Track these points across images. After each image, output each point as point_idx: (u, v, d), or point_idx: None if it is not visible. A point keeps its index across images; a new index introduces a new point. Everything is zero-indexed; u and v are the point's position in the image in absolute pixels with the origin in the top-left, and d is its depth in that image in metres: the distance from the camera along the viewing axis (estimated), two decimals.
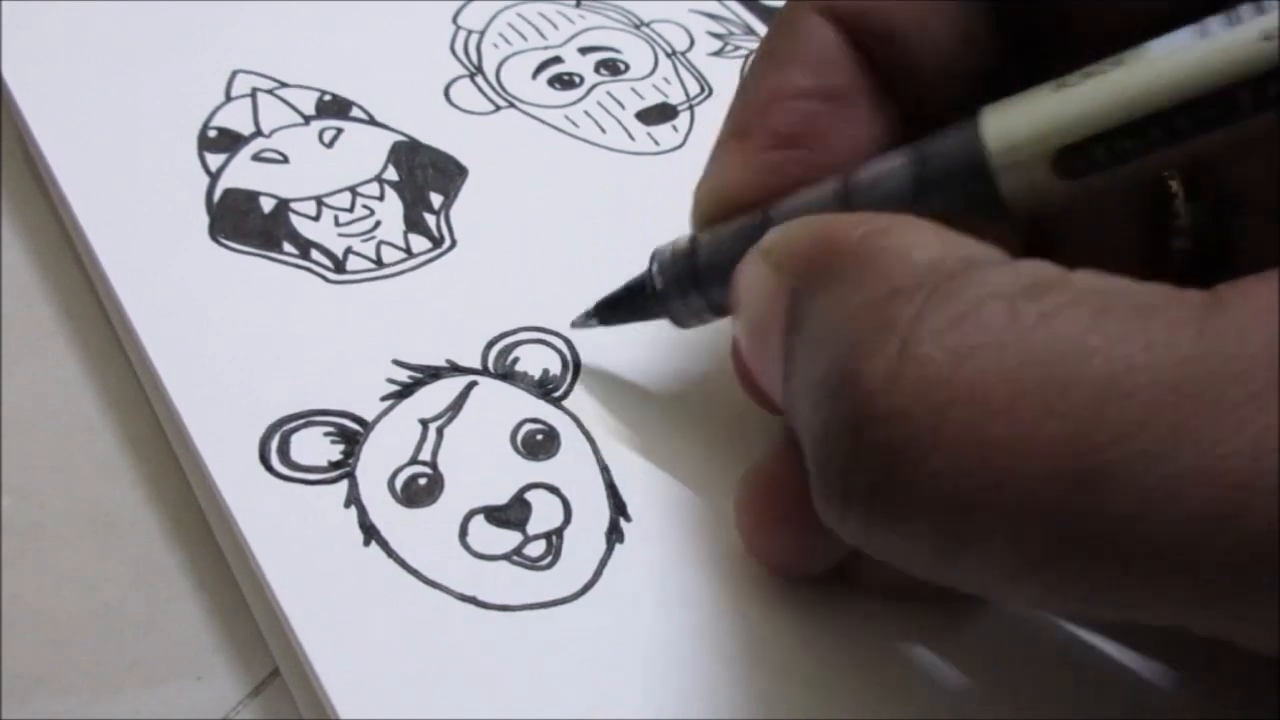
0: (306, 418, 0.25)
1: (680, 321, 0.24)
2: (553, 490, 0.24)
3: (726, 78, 0.33)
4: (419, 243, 0.28)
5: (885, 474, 0.15)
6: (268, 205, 0.29)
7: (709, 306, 0.23)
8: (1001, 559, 0.15)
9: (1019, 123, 0.18)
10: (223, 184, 0.29)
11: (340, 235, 0.28)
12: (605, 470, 0.24)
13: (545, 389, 0.26)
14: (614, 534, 0.23)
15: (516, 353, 0.26)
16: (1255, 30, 0.16)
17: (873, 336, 0.15)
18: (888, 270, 0.16)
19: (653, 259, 0.24)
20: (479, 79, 0.33)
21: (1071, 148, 0.18)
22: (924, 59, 0.21)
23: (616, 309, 0.25)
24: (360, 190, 0.29)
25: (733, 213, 0.22)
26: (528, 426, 0.25)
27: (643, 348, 0.26)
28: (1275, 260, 0.15)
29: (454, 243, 0.28)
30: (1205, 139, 0.17)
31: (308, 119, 0.31)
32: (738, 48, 0.34)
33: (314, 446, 0.24)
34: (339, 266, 0.28)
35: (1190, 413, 0.14)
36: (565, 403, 0.25)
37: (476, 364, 0.26)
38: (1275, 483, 0.13)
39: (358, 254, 0.28)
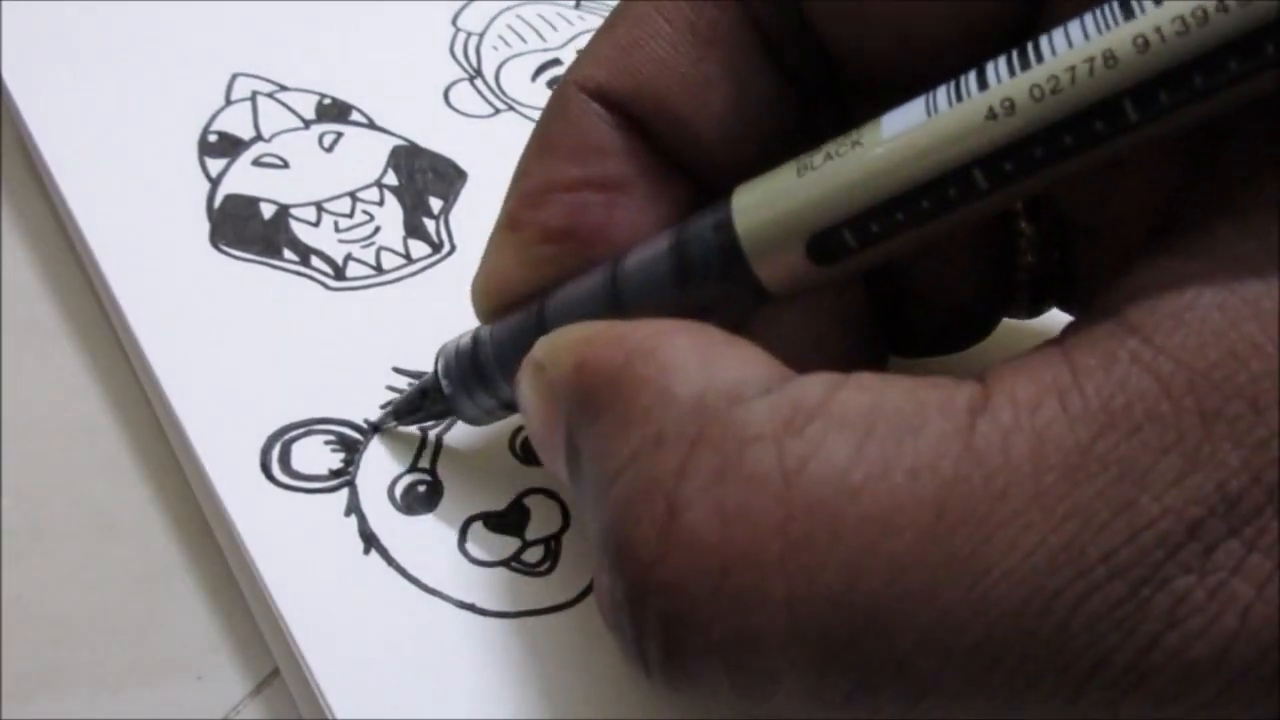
0: (307, 426, 0.25)
1: (473, 420, 0.23)
2: (551, 495, 0.24)
3: None
4: (419, 248, 0.28)
5: (674, 645, 0.15)
6: (268, 211, 0.29)
7: (499, 404, 0.22)
8: (808, 701, 0.15)
9: (766, 209, 0.18)
10: (223, 190, 0.29)
11: (340, 241, 0.28)
12: None
13: None
14: None
15: None
16: (980, 107, 0.16)
17: (640, 499, 0.15)
18: (650, 409, 0.16)
19: (438, 357, 0.23)
20: (478, 82, 0.33)
21: (820, 234, 0.17)
22: (708, 133, 0.20)
23: (412, 410, 0.24)
24: (360, 195, 0.29)
25: (510, 306, 0.22)
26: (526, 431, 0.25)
27: None
28: (1104, 283, 0.15)
29: (454, 248, 0.29)
30: (957, 214, 0.16)
31: (308, 123, 0.31)
32: None
33: (315, 455, 0.24)
34: (339, 273, 0.28)
35: (959, 541, 0.13)
36: None
37: None
38: (1045, 604, 0.13)
39: (358, 260, 0.28)
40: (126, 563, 0.25)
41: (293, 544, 0.23)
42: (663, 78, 0.20)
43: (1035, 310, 0.23)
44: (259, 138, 0.30)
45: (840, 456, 0.14)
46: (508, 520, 0.24)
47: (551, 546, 0.23)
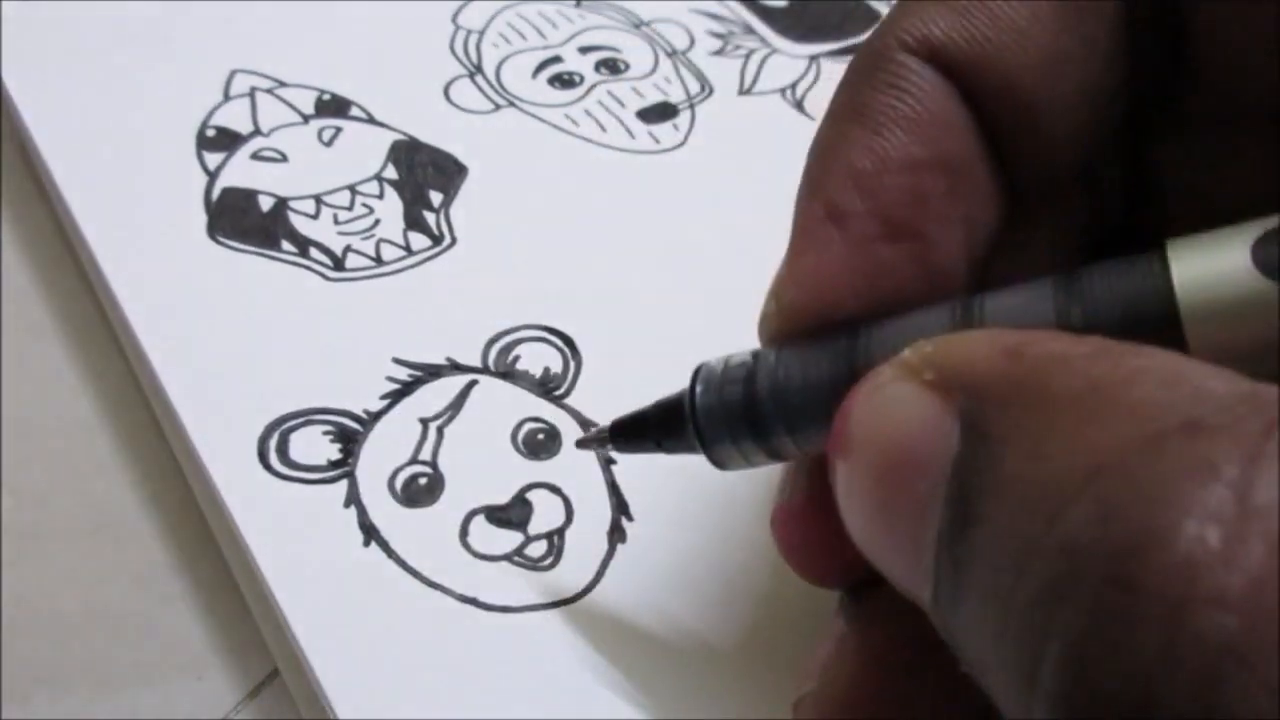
0: (305, 416, 0.24)
1: (721, 462, 0.19)
2: (554, 490, 0.24)
3: (727, 77, 0.33)
4: (419, 240, 0.28)
5: (1212, 694, 0.10)
6: (266, 204, 0.29)
7: (764, 450, 0.18)
8: None
9: (1235, 316, 0.14)
10: (221, 183, 0.29)
11: (339, 233, 0.28)
12: (607, 469, 0.24)
13: (546, 387, 0.26)
14: (616, 533, 0.23)
15: (517, 351, 0.26)
16: None
17: (1181, 484, 0.11)
18: (1164, 400, 0.12)
19: (696, 378, 0.18)
20: (479, 78, 0.33)
21: None
22: (1048, 119, 0.16)
23: (637, 433, 0.20)
24: (359, 189, 0.29)
25: (825, 325, 0.17)
26: (529, 425, 0.25)
27: (646, 342, 0.26)
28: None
29: (454, 240, 0.28)
30: None
31: (307, 118, 0.31)
32: (738, 47, 0.34)
33: (313, 445, 0.24)
34: (338, 264, 0.28)
35: None
36: (567, 401, 0.25)
37: (477, 362, 0.26)
38: None
39: (357, 252, 0.28)
40: (126, 563, 0.25)
41: (291, 535, 0.23)
42: (1014, 47, 0.16)
43: None
44: (257, 132, 0.30)
45: None
46: (510, 514, 0.23)
47: (555, 542, 0.23)
